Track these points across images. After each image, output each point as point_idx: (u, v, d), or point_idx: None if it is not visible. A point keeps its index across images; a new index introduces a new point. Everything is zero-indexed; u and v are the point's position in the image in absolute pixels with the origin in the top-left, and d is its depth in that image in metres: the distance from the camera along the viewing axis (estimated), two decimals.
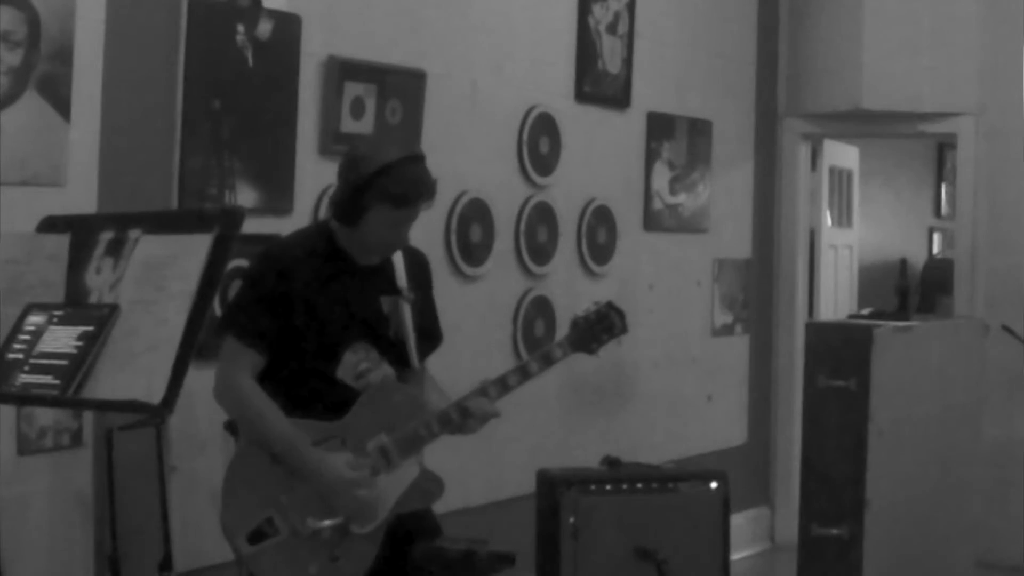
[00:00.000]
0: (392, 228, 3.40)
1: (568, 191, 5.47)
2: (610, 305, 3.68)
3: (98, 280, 3.21)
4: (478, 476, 4.95)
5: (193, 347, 2.99)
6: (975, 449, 5.53)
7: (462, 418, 3.45)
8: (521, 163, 5.23)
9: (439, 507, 3.57)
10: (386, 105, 4.59)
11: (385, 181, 3.32)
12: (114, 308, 3.10)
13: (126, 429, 3.41)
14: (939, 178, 10.67)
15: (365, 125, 4.50)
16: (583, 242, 5.56)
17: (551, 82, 5.39)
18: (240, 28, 4.09)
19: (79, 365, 3.01)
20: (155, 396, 2.91)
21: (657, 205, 6.03)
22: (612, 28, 5.68)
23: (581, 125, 5.52)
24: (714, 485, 4.53)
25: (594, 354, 3.67)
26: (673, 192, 6.13)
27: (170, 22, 3.94)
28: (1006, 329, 5.97)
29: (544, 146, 5.33)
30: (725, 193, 6.51)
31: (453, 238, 4.91)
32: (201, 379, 3.34)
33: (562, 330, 3.81)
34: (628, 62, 5.78)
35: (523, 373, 3.54)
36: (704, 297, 6.42)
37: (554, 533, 4.31)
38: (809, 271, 7.22)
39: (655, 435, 5.96)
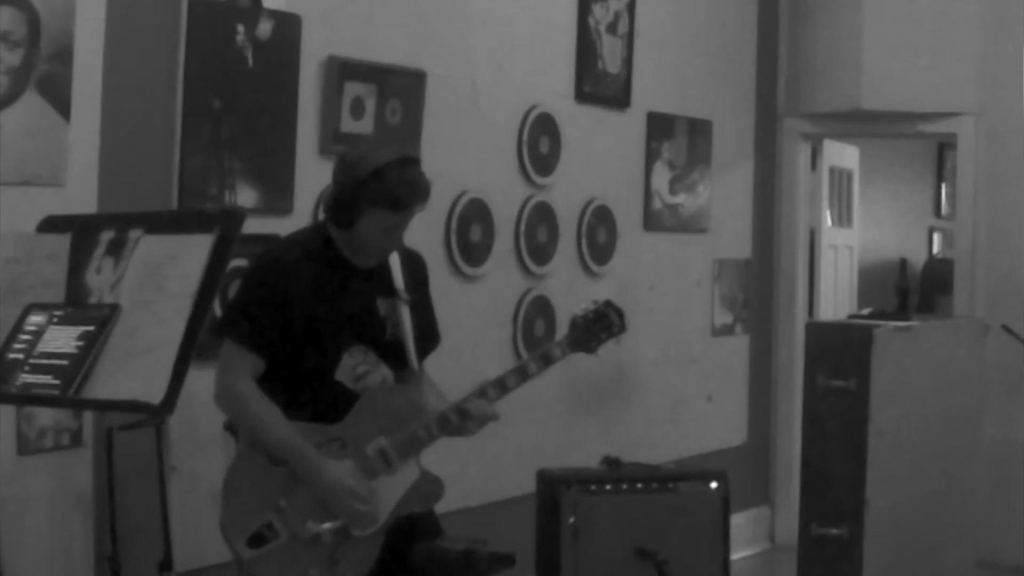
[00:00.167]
0: (386, 231, 3.38)
1: (568, 191, 5.47)
2: (609, 304, 3.68)
3: (98, 280, 3.21)
4: (478, 476, 4.95)
5: (193, 347, 2.99)
6: (975, 449, 5.53)
7: (461, 420, 3.44)
8: (521, 163, 5.23)
9: (439, 507, 3.57)
10: (386, 105, 4.59)
11: (378, 184, 3.30)
12: (114, 308, 3.10)
13: (126, 429, 3.41)
14: (939, 178, 10.67)
15: (365, 125, 4.50)
16: (583, 242, 5.56)
17: (551, 82, 5.39)
18: (240, 28, 4.09)
19: (79, 365, 3.01)
20: (155, 396, 2.92)
21: (657, 205, 6.03)
22: (612, 28, 5.68)
23: (581, 125, 5.52)
24: (714, 485, 4.53)
25: (593, 353, 3.67)
26: (673, 192, 6.13)
27: (170, 22, 3.94)
28: (1006, 329, 5.97)
29: (544, 146, 5.33)
30: (725, 193, 6.51)
31: (453, 238, 4.91)
32: (201, 379, 3.35)
33: (562, 330, 3.80)
34: (628, 62, 5.78)
35: (522, 374, 3.53)
36: (704, 297, 6.42)
37: (554, 533, 4.32)
38: (809, 271, 7.22)
39: (655, 435, 5.96)
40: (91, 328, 3.07)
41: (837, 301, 7.50)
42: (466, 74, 4.98)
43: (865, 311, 5.86)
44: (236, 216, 3.26)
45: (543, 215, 5.34)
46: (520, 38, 5.23)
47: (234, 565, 3.39)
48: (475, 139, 5.02)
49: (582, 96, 5.54)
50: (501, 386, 3.49)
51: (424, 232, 4.49)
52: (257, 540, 3.27)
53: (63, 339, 3.08)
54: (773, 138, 6.93)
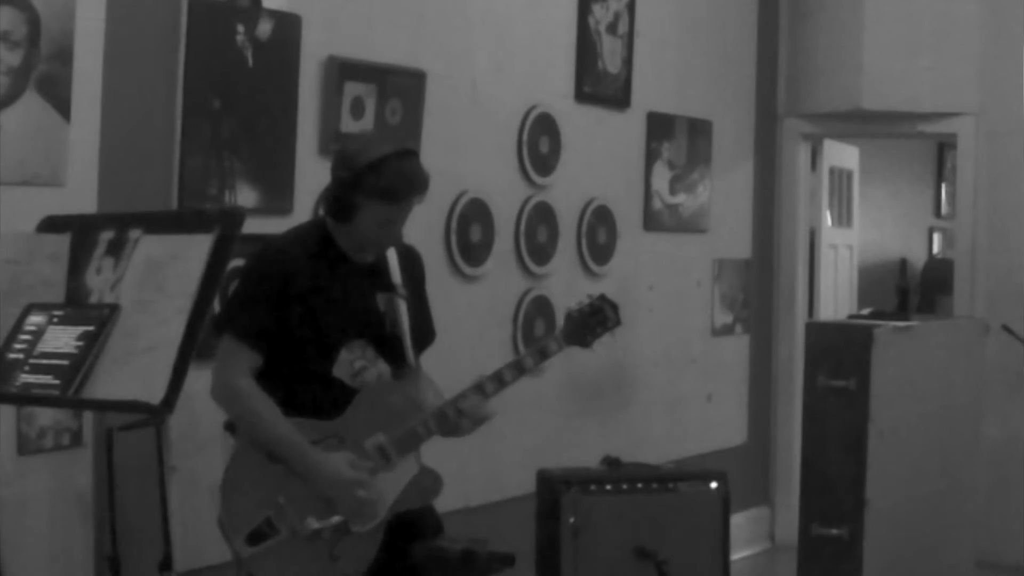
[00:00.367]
0: (385, 224, 3.38)
1: (568, 191, 5.47)
2: (603, 298, 3.68)
3: (98, 280, 3.21)
4: (478, 476, 4.95)
5: (193, 347, 2.99)
6: (975, 449, 5.53)
7: (458, 416, 3.44)
8: (521, 163, 5.23)
9: (439, 506, 3.57)
10: (386, 105, 4.59)
11: (375, 176, 3.30)
12: (114, 308, 3.10)
13: (126, 429, 3.40)
14: (939, 178, 10.67)
15: (365, 125, 4.50)
16: (583, 242, 5.56)
17: (551, 82, 5.39)
18: (240, 28, 4.09)
19: (79, 365, 3.01)
20: (155, 396, 2.92)
21: (657, 205, 6.03)
22: (612, 28, 5.68)
23: (581, 125, 5.52)
24: (714, 485, 4.53)
25: (589, 347, 3.66)
26: (673, 192, 6.13)
27: (170, 22, 3.94)
28: (1006, 329, 5.97)
29: (544, 146, 5.33)
30: (725, 193, 6.51)
31: (453, 238, 4.91)
32: (201, 379, 3.34)
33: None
34: (628, 62, 5.78)
35: (519, 368, 3.53)
36: (704, 297, 6.42)
37: (554, 533, 4.32)
38: (809, 271, 7.22)
39: (655, 435, 5.96)
40: (91, 328, 3.07)
41: (837, 301, 7.50)
42: (466, 74, 4.98)
43: (865, 311, 5.87)
44: (236, 216, 3.26)
45: (543, 215, 5.34)
46: (520, 38, 5.23)
47: (234, 564, 3.39)
48: (475, 139, 5.02)
49: (582, 96, 5.54)
50: (498, 380, 3.49)
51: (424, 232, 4.49)
52: (256, 537, 3.28)
53: (63, 339, 3.08)
54: (773, 138, 6.94)
